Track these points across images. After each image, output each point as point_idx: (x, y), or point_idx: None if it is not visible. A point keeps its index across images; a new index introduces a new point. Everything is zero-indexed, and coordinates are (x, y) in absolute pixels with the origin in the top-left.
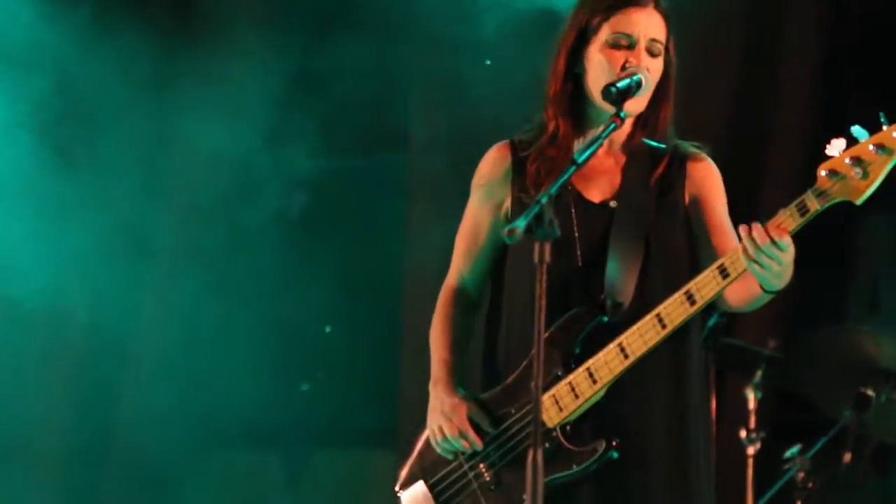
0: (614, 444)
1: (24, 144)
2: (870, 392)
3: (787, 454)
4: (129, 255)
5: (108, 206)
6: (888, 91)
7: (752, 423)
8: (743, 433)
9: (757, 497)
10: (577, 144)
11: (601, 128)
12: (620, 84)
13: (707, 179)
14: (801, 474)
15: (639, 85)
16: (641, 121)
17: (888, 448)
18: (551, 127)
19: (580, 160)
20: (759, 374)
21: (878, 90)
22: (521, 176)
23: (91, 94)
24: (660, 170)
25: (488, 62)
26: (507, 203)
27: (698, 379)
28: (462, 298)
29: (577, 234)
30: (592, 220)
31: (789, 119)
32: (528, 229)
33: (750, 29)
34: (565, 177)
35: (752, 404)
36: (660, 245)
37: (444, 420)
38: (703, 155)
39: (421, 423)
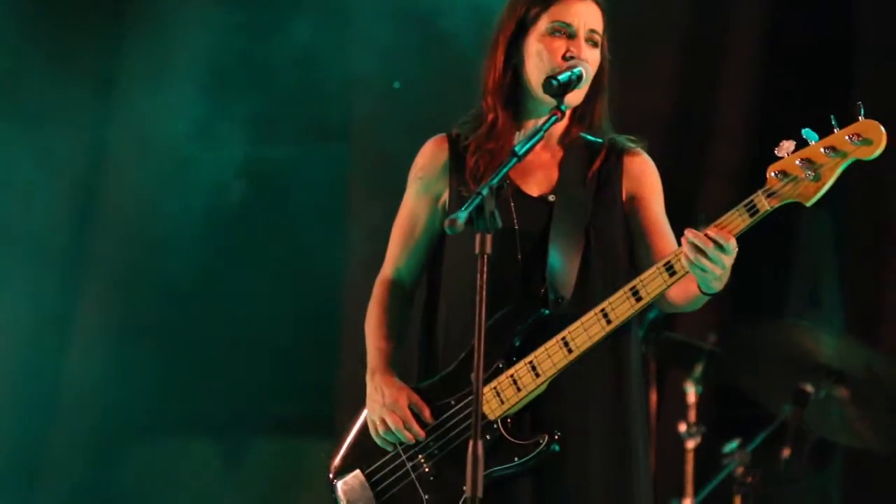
0: (556, 437)
1: None
2: (809, 388)
3: (727, 449)
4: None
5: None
6: (830, 84)
7: (692, 417)
8: (683, 427)
9: (696, 491)
10: (518, 137)
11: (542, 120)
12: (562, 77)
13: (644, 175)
14: (741, 469)
15: (580, 78)
16: (577, 114)
17: (827, 443)
18: (490, 118)
19: (521, 152)
20: (699, 368)
21: (820, 84)
22: (459, 168)
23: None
24: (597, 164)
25: (397, 85)
26: (446, 196)
27: (638, 372)
28: (397, 289)
29: (517, 228)
30: (532, 213)
31: (730, 112)
32: (469, 221)
33: (692, 19)
34: (506, 169)
35: (691, 398)
36: (599, 239)
37: (386, 412)
38: (640, 150)
39: (358, 412)
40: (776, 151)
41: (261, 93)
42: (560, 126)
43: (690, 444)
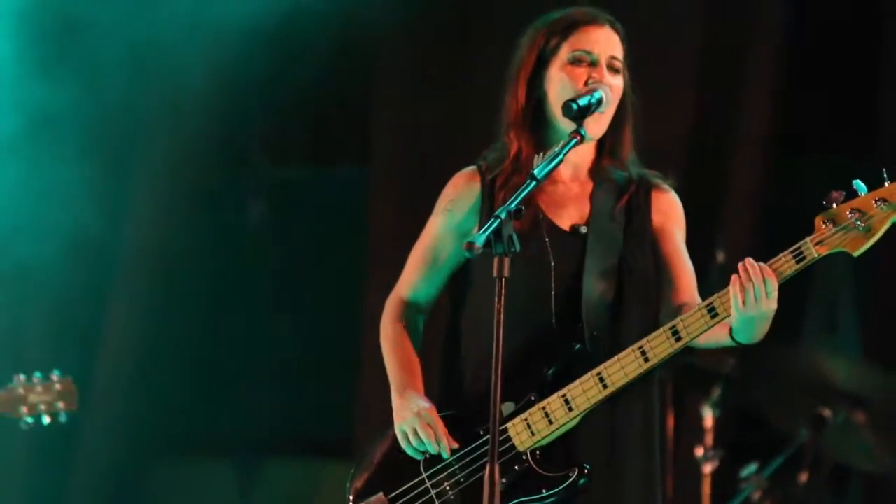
0: (586, 471)
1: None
2: (826, 412)
3: (744, 473)
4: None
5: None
6: (847, 107)
7: (709, 441)
8: (700, 451)
9: None
10: (536, 160)
11: (560, 144)
12: (581, 101)
13: (671, 211)
14: (758, 493)
15: (599, 102)
16: (606, 146)
17: (844, 468)
18: (513, 151)
19: (540, 175)
20: (716, 392)
21: (838, 107)
22: (490, 205)
23: None
24: (626, 197)
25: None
26: (476, 231)
27: (658, 400)
28: (413, 311)
29: (552, 263)
30: (565, 246)
31: (748, 135)
32: (487, 244)
33: (708, 40)
34: (525, 192)
35: (709, 422)
36: (632, 272)
37: (418, 421)
38: (668, 187)
39: (377, 433)
40: (824, 202)
41: (286, 113)
42: (587, 158)
43: (707, 468)
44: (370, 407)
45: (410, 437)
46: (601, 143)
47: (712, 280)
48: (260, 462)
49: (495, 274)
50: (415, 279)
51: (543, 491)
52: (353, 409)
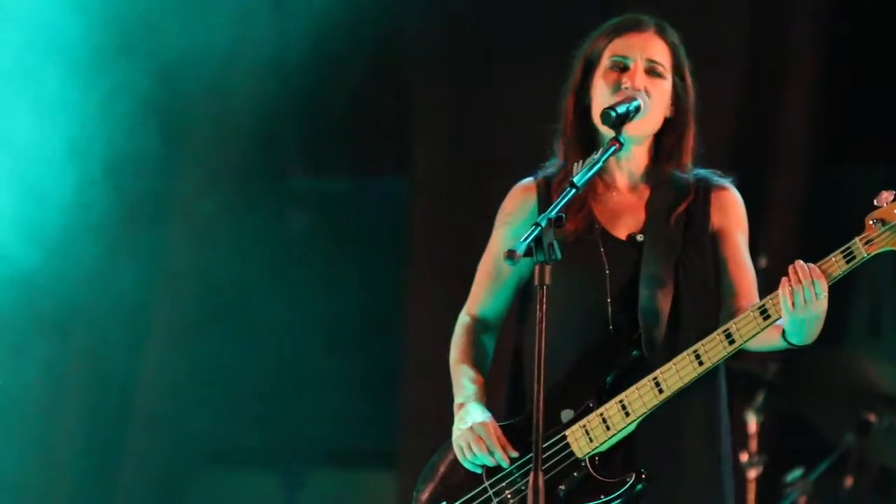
0: (643, 476)
1: None
2: (871, 417)
3: (789, 478)
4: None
5: None
6: (890, 116)
7: (754, 446)
8: (744, 457)
9: None
10: (577, 168)
11: (600, 151)
12: (619, 108)
13: (730, 209)
14: (804, 498)
15: (637, 109)
16: (664, 152)
17: (890, 473)
18: (563, 159)
19: (580, 183)
20: (760, 397)
21: (883, 110)
22: None
23: None
24: (685, 202)
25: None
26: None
27: (726, 409)
28: (481, 327)
29: (607, 272)
30: (621, 255)
31: (792, 138)
32: (528, 252)
33: (750, 49)
34: (565, 200)
35: (753, 428)
36: (689, 278)
37: (472, 436)
38: (728, 185)
39: (421, 445)
40: (875, 201)
41: (326, 123)
42: (642, 164)
43: (752, 474)
44: (413, 417)
45: (465, 451)
46: (658, 149)
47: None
48: (304, 473)
49: (536, 282)
50: (480, 295)
51: (602, 497)
52: (397, 420)
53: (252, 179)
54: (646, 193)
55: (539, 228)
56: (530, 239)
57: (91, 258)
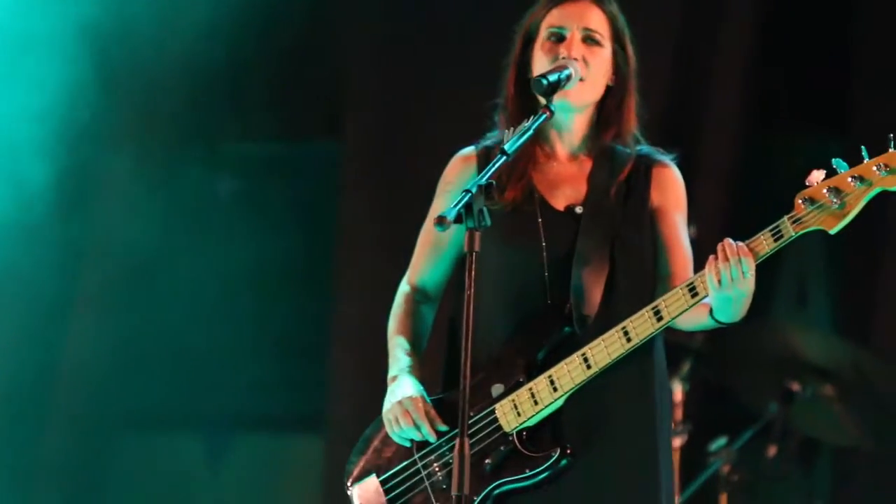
0: (568, 451)
1: None
2: (795, 386)
3: (713, 447)
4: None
5: None
6: (820, 84)
7: (679, 415)
8: None
9: (682, 489)
10: (507, 135)
11: (530, 119)
12: (551, 77)
13: (670, 189)
14: (727, 467)
15: (569, 78)
16: (603, 121)
17: (813, 441)
18: (504, 132)
19: (510, 150)
20: (685, 366)
21: (811, 84)
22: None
23: None
24: (624, 175)
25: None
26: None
27: (661, 383)
28: (421, 298)
29: (543, 243)
30: (559, 227)
31: (720, 113)
32: (458, 219)
33: (683, 21)
34: (495, 166)
35: (678, 396)
36: (625, 254)
37: (400, 410)
38: (669, 162)
39: (350, 410)
40: (806, 181)
41: (257, 86)
42: (580, 133)
43: (677, 442)
44: (342, 382)
45: (393, 424)
46: (599, 119)
47: None
48: (231, 437)
49: (465, 248)
50: (421, 264)
51: (527, 471)
52: (324, 386)
53: (181, 145)
54: (587, 165)
55: (469, 195)
56: (460, 205)
57: (20, 226)
